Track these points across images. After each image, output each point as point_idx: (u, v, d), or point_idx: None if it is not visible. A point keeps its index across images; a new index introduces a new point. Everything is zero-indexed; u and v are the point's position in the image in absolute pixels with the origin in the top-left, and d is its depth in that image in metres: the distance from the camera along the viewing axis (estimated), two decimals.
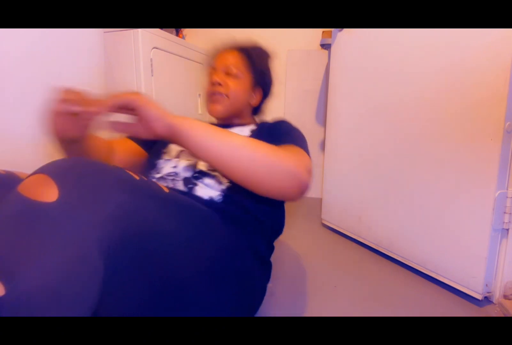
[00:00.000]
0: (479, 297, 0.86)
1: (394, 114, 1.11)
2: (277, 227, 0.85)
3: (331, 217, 1.46)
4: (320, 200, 1.58)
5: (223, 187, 0.71)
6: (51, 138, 0.58)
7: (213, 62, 0.85)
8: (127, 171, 0.46)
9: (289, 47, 1.96)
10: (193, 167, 0.74)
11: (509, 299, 0.85)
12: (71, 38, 1.04)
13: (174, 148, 0.81)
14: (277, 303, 0.85)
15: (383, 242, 1.18)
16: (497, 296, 0.87)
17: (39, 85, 0.95)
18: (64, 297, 0.34)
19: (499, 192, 0.82)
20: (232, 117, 0.85)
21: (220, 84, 0.80)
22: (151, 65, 1.50)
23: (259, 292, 0.73)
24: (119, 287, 0.46)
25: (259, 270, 0.72)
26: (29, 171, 0.41)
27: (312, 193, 2.01)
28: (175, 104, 1.71)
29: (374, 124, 1.20)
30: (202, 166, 0.74)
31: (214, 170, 0.72)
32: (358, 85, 1.27)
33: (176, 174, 0.73)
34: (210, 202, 0.68)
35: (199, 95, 1.92)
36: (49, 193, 0.36)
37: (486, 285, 0.86)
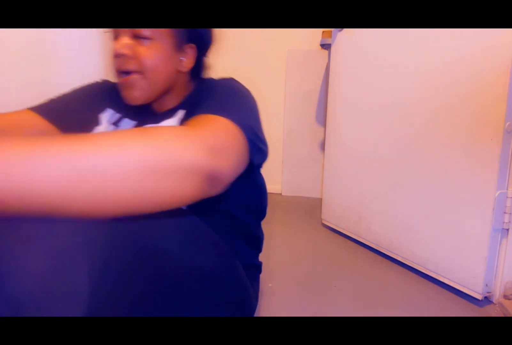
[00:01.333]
0: (479, 297, 0.86)
1: (394, 114, 1.11)
2: (252, 223, 0.68)
3: (331, 217, 1.46)
4: (320, 200, 1.59)
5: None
6: None
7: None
8: None
9: (289, 47, 1.96)
10: None
11: (509, 299, 0.85)
12: (71, 38, 1.04)
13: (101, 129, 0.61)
14: (277, 303, 0.85)
15: (383, 242, 1.18)
16: (497, 296, 0.87)
17: (39, 85, 0.95)
18: (50, 302, 0.34)
19: (499, 192, 0.82)
20: (158, 99, 0.61)
21: (126, 56, 0.53)
22: None
23: (252, 293, 0.71)
24: (114, 292, 0.45)
25: (248, 273, 0.67)
26: None
27: (312, 193, 2.01)
28: None
29: (374, 124, 1.20)
30: None
31: None
32: (358, 85, 1.27)
33: None
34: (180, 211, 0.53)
35: None
36: None
37: (486, 285, 0.86)
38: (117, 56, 0.54)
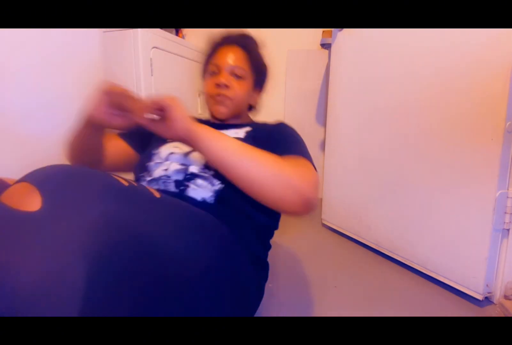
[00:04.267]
0: (480, 297, 0.86)
1: (394, 113, 1.11)
2: (272, 223, 0.81)
3: (331, 217, 1.46)
4: (320, 200, 1.58)
5: (216, 188, 0.70)
6: (87, 122, 0.66)
7: (216, 60, 0.81)
8: (115, 177, 0.45)
9: (289, 47, 1.96)
10: (184, 170, 0.73)
11: (510, 299, 0.85)
12: (71, 38, 1.04)
13: (164, 151, 0.78)
14: (277, 303, 0.85)
15: (383, 242, 1.18)
16: (497, 296, 0.87)
17: (39, 84, 0.95)
18: (44, 304, 0.34)
19: (499, 192, 0.82)
20: (232, 117, 0.84)
21: (227, 86, 0.79)
22: (151, 65, 1.50)
23: (255, 293, 0.73)
24: (109, 292, 0.44)
25: (255, 271, 0.71)
26: (18, 176, 0.40)
27: None
28: None
29: (374, 124, 1.20)
30: (194, 169, 0.73)
31: (206, 172, 0.72)
32: (358, 85, 1.27)
33: (167, 177, 0.72)
34: (203, 203, 0.67)
35: (199, 95, 1.92)
36: (32, 202, 0.36)
37: (487, 285, 0.86)
38: (220, 85, 0.79)
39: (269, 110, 1.99)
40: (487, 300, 0.88)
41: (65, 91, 1.03)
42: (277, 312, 0.81)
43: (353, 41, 1.29)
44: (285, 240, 1.32)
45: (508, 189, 0.83)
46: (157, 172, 0.74)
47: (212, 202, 0.68)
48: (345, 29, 1.33)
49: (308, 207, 0.63)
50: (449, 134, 0.93)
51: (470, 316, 0.81)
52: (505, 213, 0.83)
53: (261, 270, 0.76)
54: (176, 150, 0.76)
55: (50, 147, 0.99)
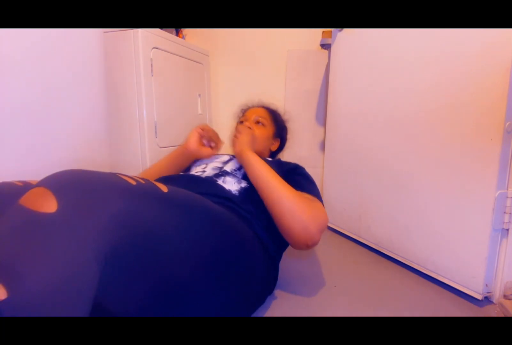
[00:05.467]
0: (479, 297, 0.86)
1: (394, 114, 1.11)
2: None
3: (331, 217, 1.46)
4: None
5: (242, 185, 0.83)
6: (183, 151, 0.95)
7: (246, 114, 1.08)
8: (123, 177, 0.48)
9: (289, 47, 1.95)
10: (219, 168, 0.89)
11: (509, 299, 0.85)
12: (71, 38, 1.04)
13: (207, 160, 0.98)
14: (277, 303, 0.85)
15: (383, 242, 1.18)
16: (497, 296, 0.87)
17: (39, 84, 0.95)
18: (61, 300, 0.36)
19: (499, 192, 0.82)
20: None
21: (250, 128, 1.00)
22: (151, 65, 1.50)
23: (263, 285, 0.75)
24: (123, 289, 0.46)
25: (266, 262, 0.74)
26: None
27: None
28: (175, 104, 1.71)
29: (374, 124, 1.20)
30: (227, 168, 0.89)
31: (237, 173, 0.88)
32: (358, 85, 1.27)
33: (203, 172, 0.88)
34: (228, 191, 0.79)
35: (199, 95, 1.92)
36: (48, 205, 0.38)
37: (486, 285, 0.86)
38: (246, 127, 0.99)
39: None
40: (487, 300, 0.88)
41: (65, 91, 1.03)
42: (277, 312, 0.81)
43: (353, 41, 1.29)
44: None
45: (507, 189, 0.83)
46: (195, 169, 0.92)
47: (236, 194, 0.80)
48: (345, 29, 1.33)
49: (309, 246, 0.73)
50: (448, 134, 0.93)
51: (469, 316, 0.81)
52: (505, 213, 0.84)
53: (271, 265, 0.79)
54: (217, 161, 0.95)
55: (51, 148, 0.99)
